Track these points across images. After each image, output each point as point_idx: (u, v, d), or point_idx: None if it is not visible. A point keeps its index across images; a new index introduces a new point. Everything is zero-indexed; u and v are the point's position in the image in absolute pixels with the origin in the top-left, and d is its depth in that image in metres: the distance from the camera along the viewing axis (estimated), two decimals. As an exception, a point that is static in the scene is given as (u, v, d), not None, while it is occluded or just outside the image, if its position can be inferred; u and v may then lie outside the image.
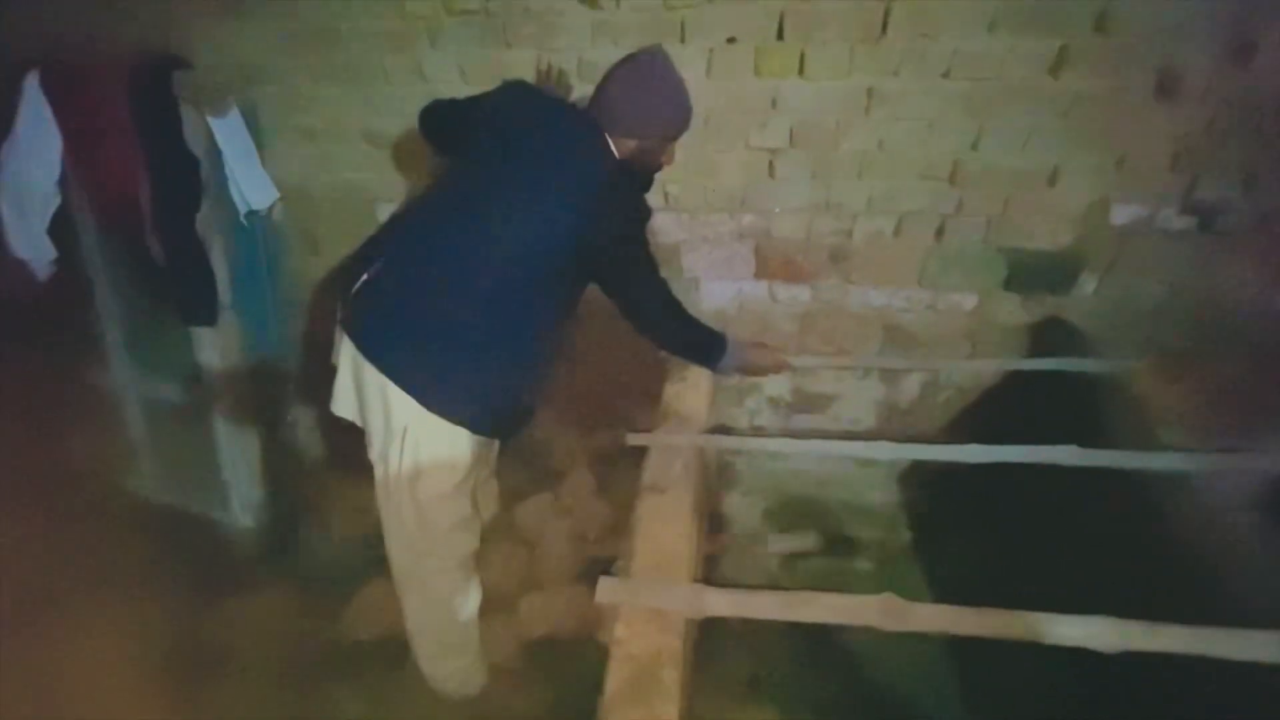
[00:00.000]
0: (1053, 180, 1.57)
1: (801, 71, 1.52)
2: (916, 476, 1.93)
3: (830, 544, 1.82)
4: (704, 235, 1.76)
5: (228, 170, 1.69)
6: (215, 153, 1.67)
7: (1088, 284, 1.71)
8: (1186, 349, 1.67)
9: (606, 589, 1.05)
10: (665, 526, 1.20)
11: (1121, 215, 1.63)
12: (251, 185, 1.72)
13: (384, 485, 1.25)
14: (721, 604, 1.02)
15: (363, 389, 1.22)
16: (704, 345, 1.37)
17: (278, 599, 1.76)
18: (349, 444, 1.38)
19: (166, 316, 1.80)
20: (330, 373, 1.31)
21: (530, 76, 1.62)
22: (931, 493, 1.88)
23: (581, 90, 1.62)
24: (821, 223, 1.70)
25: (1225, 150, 1.53)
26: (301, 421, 2.17)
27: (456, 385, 1.18)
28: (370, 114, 1.76)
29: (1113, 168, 1.57)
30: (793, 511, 1.89)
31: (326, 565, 1.87)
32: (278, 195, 1.82)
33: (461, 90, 1.66)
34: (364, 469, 1.30)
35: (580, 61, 1.60)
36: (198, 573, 1.74)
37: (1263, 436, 1.64)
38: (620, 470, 1.99)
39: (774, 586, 1.70)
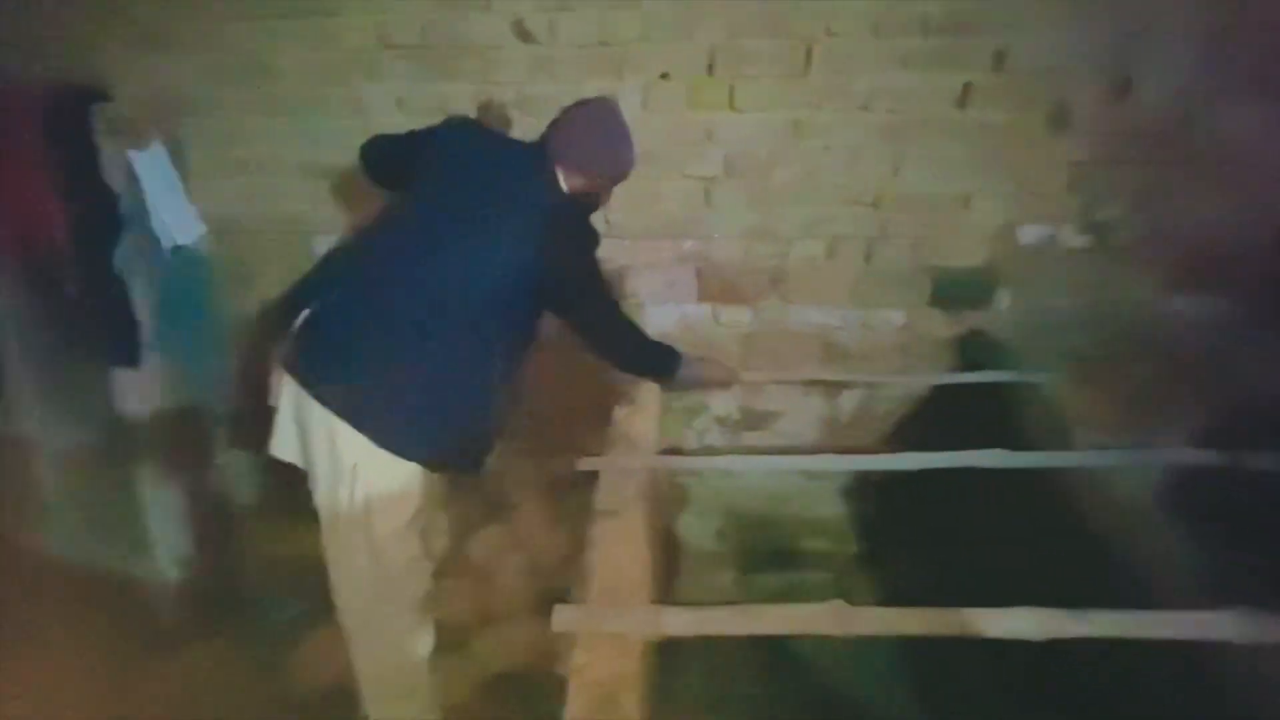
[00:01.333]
0: (966, 204, 1.70)
1: (732, 105, 1.60)
2: (861, 489, 2.01)
3: (784, 558, 1.86)
4: (647, 261, 1.81)
5: (150, 204, 1.62)
6: (136, 187, 1.60)
7: (1003, 299, 1.84)
8: (1093, 356, 1.81)
9: (562, 617, 1.05)
10: (620, 550, 1.21)
11: (1028, 235, 1.77)
12: (176, 220, 1.66)
13: (333, 527, 1.21)
14: (679, 623, 1.03)
15: (307, 429, 1.18)
16: (659, 362, 1.42)
17: (213, 654, 1.65)
18: (287, 488, 1.33)
19: (83, 358, 1.69)
20: (266, 413, 1.27)
21: (470, 110, 1.64)
22: (875, 503, 1.95)
23: (523, 124, 1.65)
24: (759, 247, 1.77)
25: (1113, 174, 1.69)
26: (234, 466, 2.07)
27: (408, 421, 1.17)
28: (307, 146, 1.73)
29: (1017, 192, 1.71)
30: (746, 528, 1.93)
31: (265, 616, 1.77)
32: (204, 230, 1.76)
33: (401, 123, 1.65)
34: (304, 513, 1.26)
35: (520, 96, 1.64)
36: (122, 633, 1.62)
37: (1162, 433, 1.79)
38: (574, 498, 1.98)
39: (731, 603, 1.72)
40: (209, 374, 1.90)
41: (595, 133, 1.30)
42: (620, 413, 1.55)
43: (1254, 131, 1.60)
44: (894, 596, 1.72)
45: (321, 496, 1.21)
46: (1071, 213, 1.74)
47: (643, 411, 1.56)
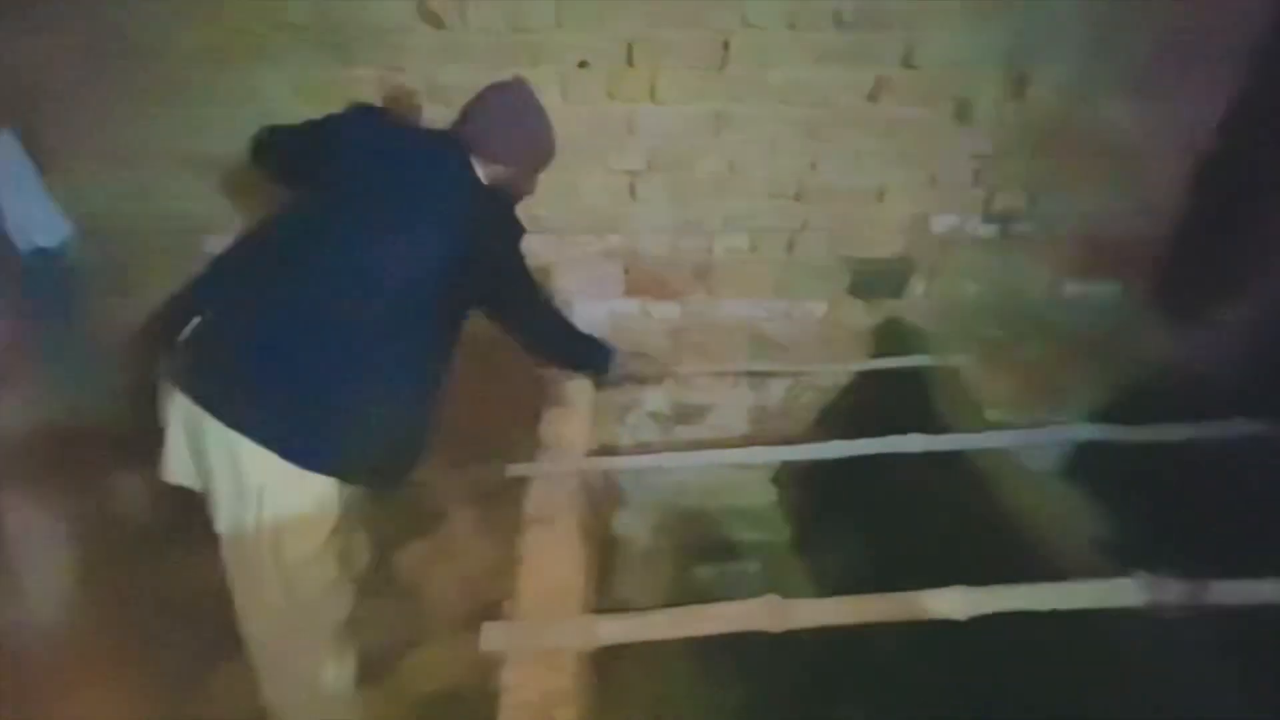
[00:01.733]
0: (881, 196, 1.75)
1: (654, 96, 1.58)
2: (788, 476, 2.04)
3: (720, 549, 1.86)
4: (573, 257, 1.76)
5: (3, 205, 1.43)
6: (-16, 182, 1.41)
7: (918, 287, 1.91)
8: (1000, 339, 1.92)
9: (491, 635, 0.99)
10: (552, 559, 1.17)
11: (939, 225, 1.84)
12: (34, 219, 1.47)
13: (239, 554, 1.11)
14: (613, 632, 1.00)
15: (203, 448, 1.07)
16: (591, 355, 1.39)
17: (104, 699, 1.49)
18: (180, 513, 1.21)
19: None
20: (154, 433, 1.14)
21: (375, 98, 1.54)
22: (803, 490, 1.99)
23: (432, 113, 1.56)
24: (685, 241, 1.76)
25: (1013, 167, 1.78)
26: (118, 491, 1.87)
27: (319, 432, 1.07)
28: (192, 136, 1.57)
29: (928, 184, 1.77)
30: (681, 522, 1.92)
31: (161, 654, 1.61)
32: (69, 230, 1.57)
33: (300, 112, 1.53)
34: (199, 540, 1.15)
35: (429, 83, 1.55)
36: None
37: (1062, 409, 1.91)
38: (504, 504, 1.91)
39: (671, 603, 1.71)
40: (87, 391, 1.70)
41: (510, 119, 1.24)
42: (550, 415, 1.50)
43: (1138, 124, 1.73)
44: (829, 581, 1.76)
45: (224, 521, 1.10)
46: (977, 204, 1.82)
47: (574, 412, 1.51)
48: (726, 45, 1.52)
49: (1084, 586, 1.03)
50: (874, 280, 1.86)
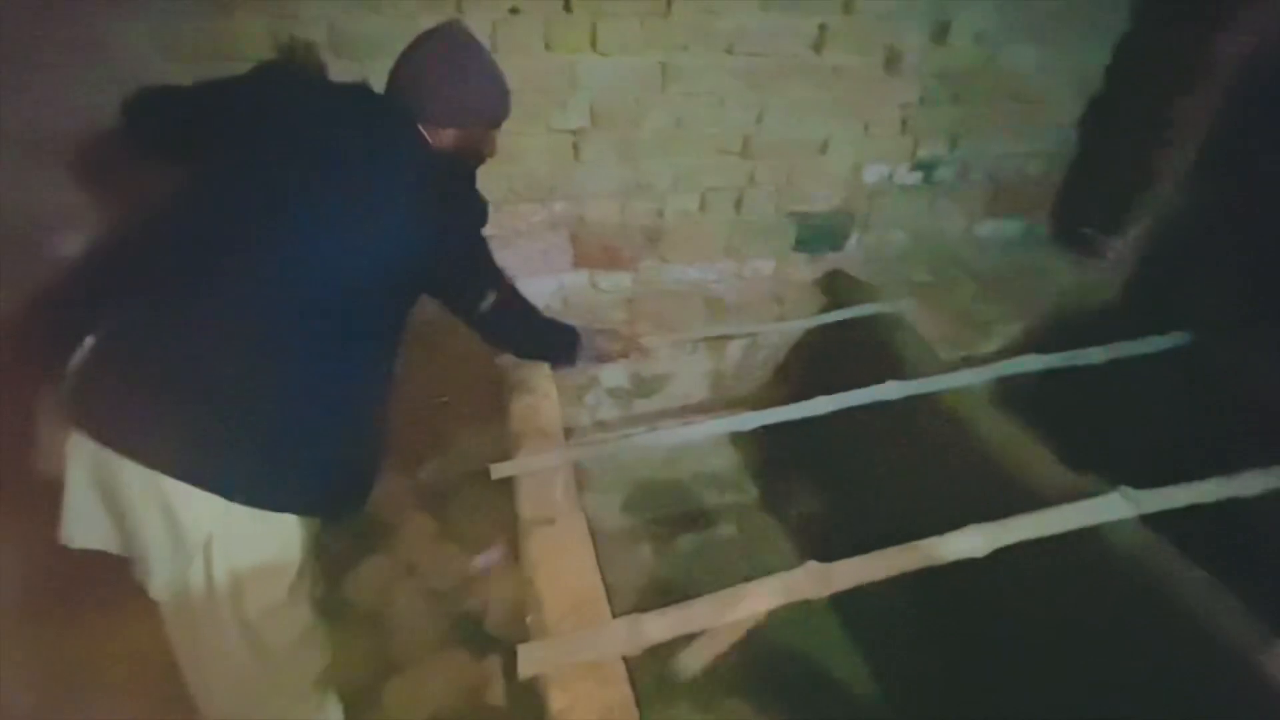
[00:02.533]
0: (824, 149, 1.74)
1: (595, 46, 1.45)
2: (748, 436, 2.04)
3: (692, 518, 1.84)
4: (515, 228, 1.61)
5: None
6: None
7: (854, 238, 1.95)
8: (930, 282, 2.01)
9: (530, 658, 0.89)
10: (567, 561, 1.07)
11: (870, 175, 1.88)
12: None
13: (187, 618, 0.91)
14: (661, 629, 0.93)
15: (120, 501, 0.85)
16: (559, 342, 1.27)
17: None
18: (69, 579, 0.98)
19: None
20: (30, 486, 0.91)
21: (265, 51, 1.29)
22: (765, 449, 2.01)
23: (340, 68, 1.33)
24: (634, 205, 1.67)
25: (935, 115, 1.84)
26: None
27: (270, 465, 0.89)
28: (32, 109, 1.23)
29: (863, 134, 1.79)
30: (650, 496, 1.87)
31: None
32: None
33: (171, 73, 1.26)
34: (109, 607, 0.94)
35: (332, 31, 1.32)
36: None
37: (988, 342, 2.05)
38: (461, 504, 1.77)
39: (660, 580, 1.67)
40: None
41: (456, 76, 1.06)
42: (521, 404, 1.37)
43: (1041, 70, 1.84)
44: (804, 536, 1.80)
45: (163, 585, 0.89)
46: (904, 152, 1.87)
47: (545, 399, 1.40)
48: (671, -11, 1.42)
49: (1079, 507, 1.10)
50: (816, 234, 1.88)
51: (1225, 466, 1.12)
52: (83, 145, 1.26)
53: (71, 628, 1.37)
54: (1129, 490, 1.11)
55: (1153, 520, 1.10)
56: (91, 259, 0.98)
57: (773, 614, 0.99)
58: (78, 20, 1.19)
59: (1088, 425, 1.68)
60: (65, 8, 1.18)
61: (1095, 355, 1.62)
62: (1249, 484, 1.12)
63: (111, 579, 0.98)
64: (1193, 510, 1.08)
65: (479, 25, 1.35)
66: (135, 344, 0.85)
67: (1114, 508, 1.10)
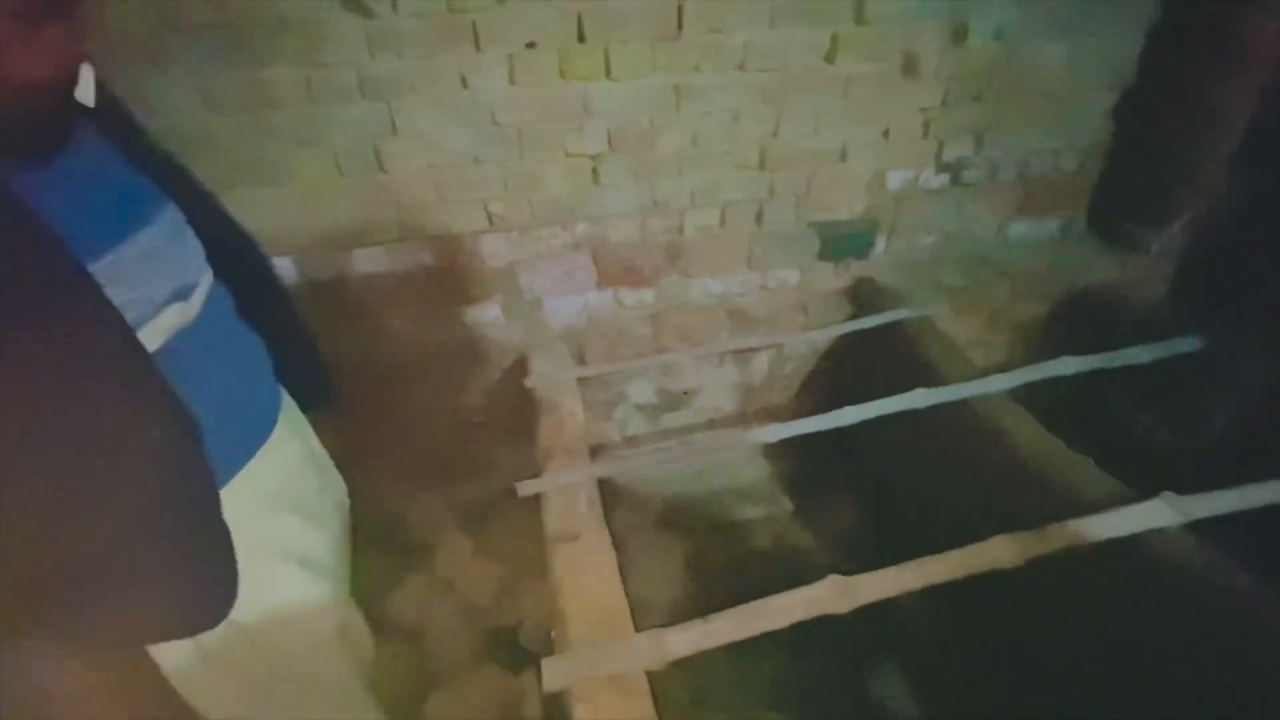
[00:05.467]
0: (843, 156, 1.74)
1: (609, 73, 1.48)
2: (779, 448, 2.03)
3: (725, 532, 1.83)
4: (538, 252, 1.66)
5: None
6: None
7: (880, 244, 1.93)
8: (962, 286, 1.97)
9: (554, 672, 0.91)
10: (590, 577, 1.09)
11: (895, 181, 1.86)
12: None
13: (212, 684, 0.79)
14: (684, 643, 0.94)
15: None
16: None
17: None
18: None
19: None
20: None
21: (301, 97, 1.37)
22: (796, 460, 1.99)
23: (366, 109, 1.41)
24: (653, 223, 1.69)
25: (958, 117, 1.81)
26: None
27: None
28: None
29: (883, 140, 1.77)
30: (682, 510, 1.88)
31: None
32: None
33: (211, 125, 1.36)
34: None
35: (361, 77, 1.39)
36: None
37: (1024, 345, 1.99)
38: (497, 522, 1.81)
39: (694, 595, 1.67)
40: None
41: None
42: (548, 422, 1.40)
43: (1069, 64, 1.79)
44: (838, 549, 1.77)
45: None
46: (928, 156, 1.85)
47: (571, 417, 1.43)
48: (680, 11, 1.45)
49: (1121, 514, 1.06)
50: (841, 242, 1.86)
51: (1275, 469, 1.06)
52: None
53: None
54: (1172, 496, 1.07)
55: (1200, 527, 1.05)
56: None
57: (804, 627, 0.99)
58: (125, 78, 1.29)
59: (1129, 429, 1.62)
60: (112, 68, 1.28)
61: (1138, 355, 1.56)
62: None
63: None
64: (1238, 516, 1.03)
65: (497, 61, 1.42)
66: None
67: (1157, 514, 1.06)
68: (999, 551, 1.02)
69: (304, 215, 1.50)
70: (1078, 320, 1.88)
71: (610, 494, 1.93)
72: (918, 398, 1.42)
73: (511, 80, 1.45)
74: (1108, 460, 1.25)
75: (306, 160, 1.45)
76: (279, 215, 1.48)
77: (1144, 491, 1.11)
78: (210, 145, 1.39)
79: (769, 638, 0.94)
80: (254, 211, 1.46)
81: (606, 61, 1.47)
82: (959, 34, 1.68)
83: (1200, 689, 1.02)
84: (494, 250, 1.63)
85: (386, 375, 1.70)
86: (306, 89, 1.37)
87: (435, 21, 1.37)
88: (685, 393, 1.87)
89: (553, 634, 1.01)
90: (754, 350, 1.88)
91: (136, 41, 1.28)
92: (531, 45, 1.42)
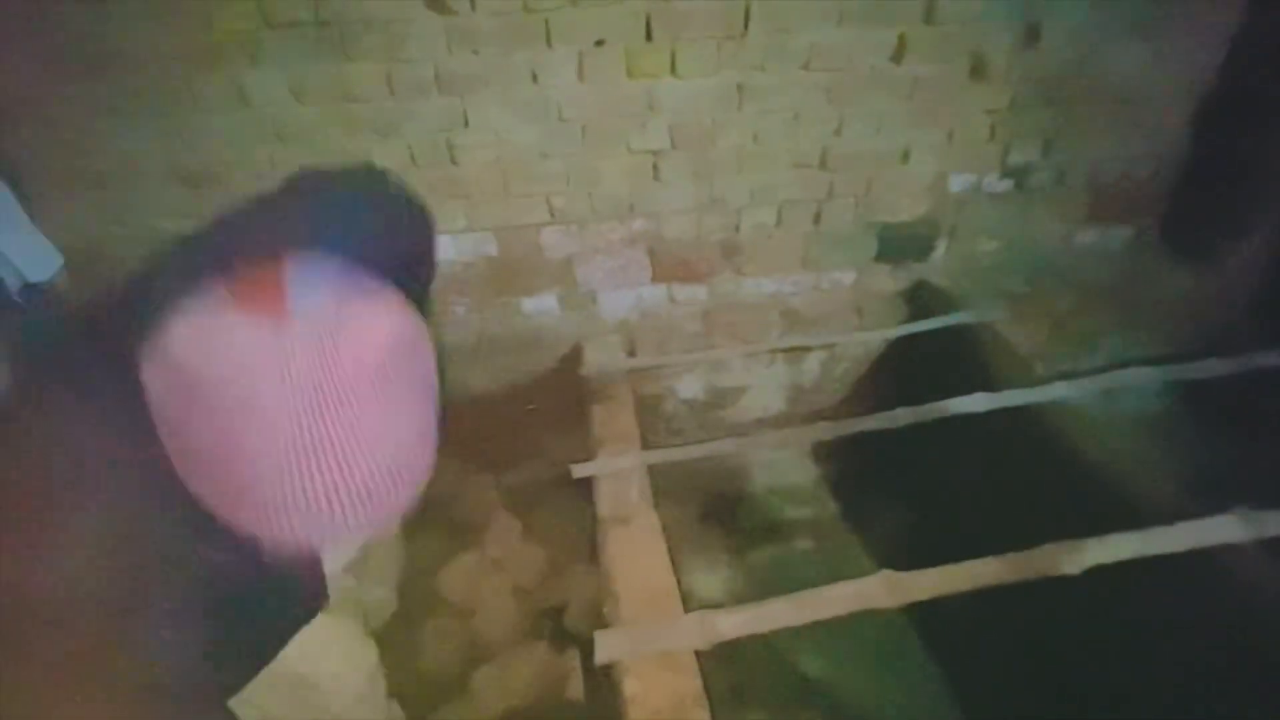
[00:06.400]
0: (905, 158, 1.72)
1: (674, 71, 1.51)
2: (827, 449, 2.02)
3: (770, 531, 1.84)
4: (595, 245, 1.70)
5: (-8, 240, 1.29)
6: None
7: (940, 247, 1.90)
8: (1025, 292, 1.92)
9: (606, 645, 0.94)
10: (640, 559, 1.12)
11: (957, 184, 1.83)
12: (24, 253, 1.34)
13: None
14: (734, 625, 0.96)
15: None
16: None
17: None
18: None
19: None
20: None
21: (382, 91, 1.45)
22: (844, 462, 1.98)
23: (442, 104, 1.48)
24: (709, 220, 1.71)
25: (1026, 120, 1.77)
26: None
27: None
28: (181, 148, 1.45)
29: (947, 143, 1.75)
30: (726, 507, 1.89)
31: None
32: (61, 261, 1.44)
33: (301, 116, 1.44)
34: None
35: (438, 73, 1.46)
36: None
37: (1090, 354, 1.93)
38: (546, 506, 1.85)
39: (735, 590, 1.68)
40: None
41: None
42: (601, 411, 1.44)
43: (1144, 68, 1.74)
44: (883, 554, 1.75)
45: None
46: (993, 159, 1.81)
47: (623, 407, 1.46)
48: (747, 11, 1.47)
49: (1189, 527, 1.02)
50: (900, 244, 1.85)
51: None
52: (222, 176, 1.47)
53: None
54: (1246, 511, 1.03)
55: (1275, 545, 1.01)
56: None
57: (849, 625, 0.99)
58: (224, 73, 1.39)
59: (1202, 442, 1.55)
60: (211, 63, 1.38)
61: (1216, 368, 1.50)
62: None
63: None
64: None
65: (567, 58, 1.47)
66: None
67: (1229, 529, 1.02)
68: (1059, 558, 1.00)
69: (378, 203, 1.57)
70: (1147, 331, 1.81)
71: (654, 486, 1.96)
72: (977, 401, 1.40)
73: (580, 77, 1.50)
74: (1179, 473, 1.21)
75: (383, 151, 1.52)
76: (356, 203, 1.56)
77: (1215, 506, 1.07)
78: (296, 134, 1.48)
79: (808, 638, 0.95)
80: (334, 198, 1.55)
81: (672, 60, 1.50)
82: (1030, 36, 1.65)
83: (1270, 712, 0.98)
84: (553, 242, 1.68)
85: (446, 359, 1.77)
86: (387, 83, 1.44)
87: (511, 20, 1.42)
88: (733, 390, 1.88)
89: (605, 610, 1.04)
90: (806, 350, 1.88)
91: (239, 38, 1.37)
92: (600, 43, 1.47)
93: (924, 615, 1.22)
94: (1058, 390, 1.40)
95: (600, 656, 0.93)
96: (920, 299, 1.87)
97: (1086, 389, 1.40)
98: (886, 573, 1.00)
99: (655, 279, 1.77)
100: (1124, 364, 1.58)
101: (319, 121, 1.47)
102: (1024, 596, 1.02)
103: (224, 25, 1.37)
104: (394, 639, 1.40)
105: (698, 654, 0.97)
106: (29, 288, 1.36)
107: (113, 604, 0.45)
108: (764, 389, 1.93)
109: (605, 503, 1.23)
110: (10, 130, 1.37)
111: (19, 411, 0.48)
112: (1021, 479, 1.47)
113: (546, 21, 1.43)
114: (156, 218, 1.51)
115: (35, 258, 1.36)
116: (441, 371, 0.56)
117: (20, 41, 1.31)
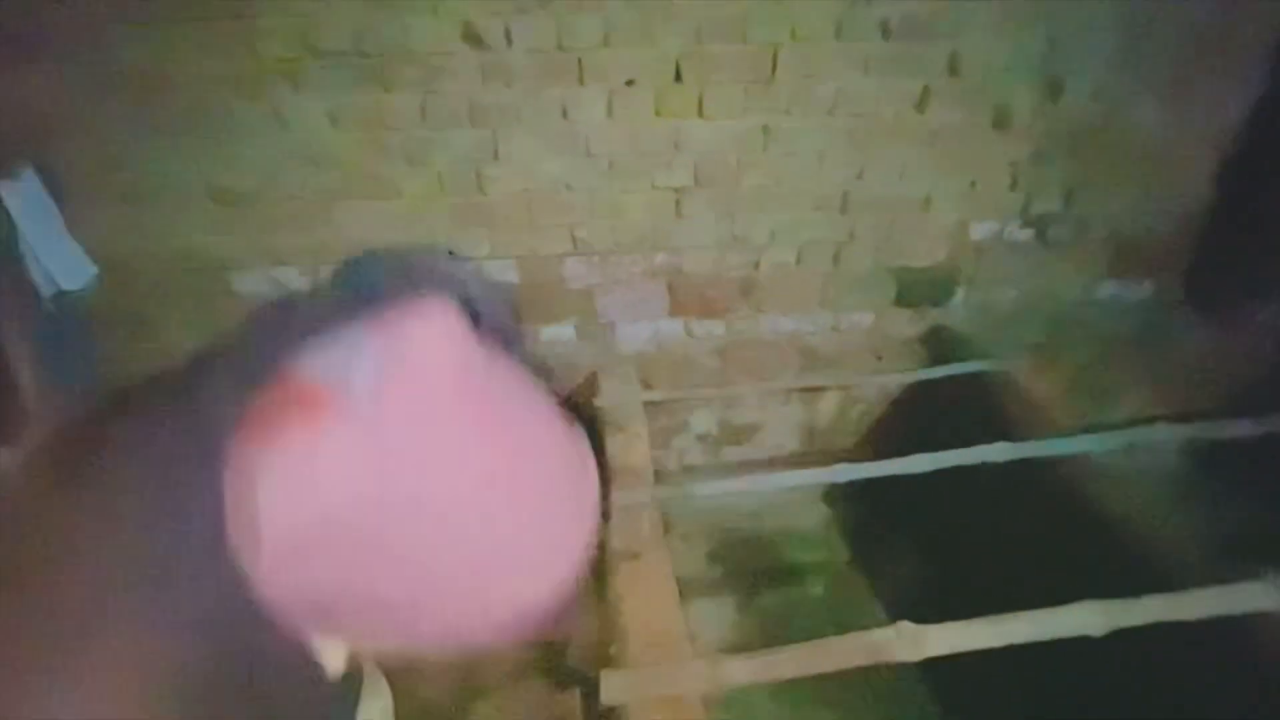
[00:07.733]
0: (927, 204, 1.74)
1: (701, 112, 1.55)
2: (840, 493, 1.99)
3: (779, 574, 1.80)
4: (616, 277, 1.71)
5: (23, 246, 1.32)
6: (7, 225, 1.30)
7: (960, 294, 1.90)
8: (1043, 343, 1.91)
9: (613, 687, 0.92)
10: (650, 597, 1.10)
11: (978, 232, 1.84)
12: (59, 262, 1.37)
13: None
14: (742, 672, 0.93)
15: None
16: None
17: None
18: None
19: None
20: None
21: (416, 120, 1.48)
22: (857, 507, 1.94)
23: (474, 137, 1.52)
24: (730, 257, 1.73)
25: (1048, 171, 1.79)
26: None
27: None
28: (217, 169, 1.49)
29: (969, 191, 1.76)
30: (735, 548, 1.86)
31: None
32: (95, 271, 1.47)
33: (335, 143, 1.48)
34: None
35: (471, 105, 1.50)
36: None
37: (1109, 409, 1.90)
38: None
39: (742, 633, 1.64)
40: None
41: None
42: (614, 443, 1.43)
43: (1167, 125, 1.75)
44: (895, 602, 1.71)
45: None
46: (1014, 209, 1.82)
47: (637, 439, 1.45)
48: (775, 57, 1.50)
49: (1222, 593, 0.99)
50: (919, 289, 1.85)
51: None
52: (258, 201, 1.50)
53: None
54: (1278, 578, 0.99)
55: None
56: None
57: (862, 679, 0.97)
58: (264, 98, 1.43)
59: (1228, 506, 1.51)
60: (253, 89, 1.43)
61: (1242, 428, 1.47)
62: None
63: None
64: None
65: (597, 96, 1.51)
66: None
67: (1261, 597, 0.99)
68: (1085, 617, 0.97)
69: (404, 228, 1.60)
70: (1169, 388, 1.78)
71: (663, 522, 1.94)
72: (998, 451, 1.38)
73: (609, 114, 1.53)
74: (1202, 534, 1.18)
75: (413, 178, 1.55)
76: (382, 226, 1.59)
77: (1242, 571, 1.04)
78: (330, 159, 1.52)
79: (819, 692, 0.91)
80: (361, 221, 1.59)
81: (700, 101, 1.53)
82: (1054, 90, 1.67)
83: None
84: (575, 273, 1.70)
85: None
86: (421, 113, 1.48)
87: (544, 57, 1.47)
88: (746, 426, 1.86)
89: (611, 649, 1.02)
90: (821, 390, 1.87)
91: (284, 66, 1.42)
92: (631, 83, 1.50)
93: (937, 671, 1.18)
94: (1080, 443, 1.38)
95: (606, 698, 0.91)
96: (938, 344, 1.87)
97: (1109, 443, 1.38)
98: (904, 624, 0.97)
99: (673, 313, 1.78)
100: (1147, 420, 1.56)
101: (352, 147, 1.51)
102: (1041, 653, 0.99)
103: (270, 54, 1.42)
104: (392, 674, 1.38)
105: (710, 697, 0.95)
106: (61, 295, 1.39)
107: None
108: (779, 427, 1.91)
109: (615, 537, 1.21)
110: (57, 144, 1.42)
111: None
112: (1040, 532, 1.44)
113: (580, 60, 1.47)
114: (187, 235, 1.55)
115: (70, 266, 1.39)
116: None
117: (73, 62, 1.36)
